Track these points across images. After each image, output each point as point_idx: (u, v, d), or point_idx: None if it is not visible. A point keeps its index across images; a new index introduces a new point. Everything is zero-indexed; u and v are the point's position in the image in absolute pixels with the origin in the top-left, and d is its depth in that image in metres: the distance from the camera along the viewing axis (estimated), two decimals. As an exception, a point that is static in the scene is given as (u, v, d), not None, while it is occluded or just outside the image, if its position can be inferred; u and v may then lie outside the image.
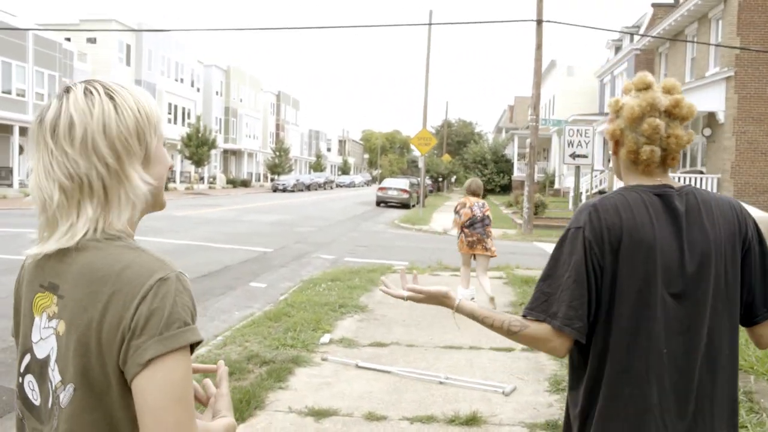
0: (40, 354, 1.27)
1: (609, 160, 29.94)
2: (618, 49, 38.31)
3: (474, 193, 8.66)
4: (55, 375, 1.24)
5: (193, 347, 1.21)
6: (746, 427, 4.16)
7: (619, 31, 29.46)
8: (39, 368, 1.27)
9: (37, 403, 1.28)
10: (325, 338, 6.46)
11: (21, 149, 34.29)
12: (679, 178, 21.68)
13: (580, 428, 1.76)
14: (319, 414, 4.49)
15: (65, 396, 1.22)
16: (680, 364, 1.70)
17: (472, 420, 4.40)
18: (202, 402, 1.45)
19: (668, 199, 1.75)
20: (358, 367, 5.60)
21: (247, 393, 4.70)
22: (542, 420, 4.46)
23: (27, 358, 1.30)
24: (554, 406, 4.76)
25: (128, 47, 44.02)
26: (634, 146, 1.79)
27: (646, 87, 1.81)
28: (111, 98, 1.26)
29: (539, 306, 1.75)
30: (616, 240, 1.69)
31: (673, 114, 1.78)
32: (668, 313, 1.69)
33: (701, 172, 22.29)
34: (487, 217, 8.37)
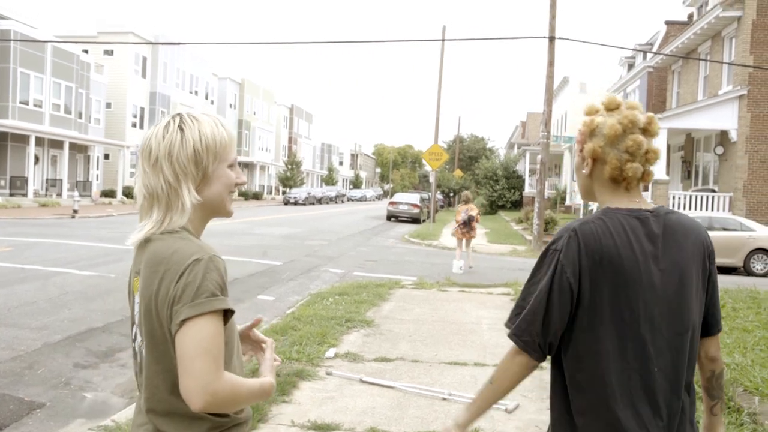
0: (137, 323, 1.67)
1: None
2: (631, 66, 38.30)
3: (465, 202, 14.82)
4: (138, 336, 1.65)
5: (227, 316, 1.57)
6: (749, 449, 4.14)
7: (632, 49, 29.45)
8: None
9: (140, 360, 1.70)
10: (331, 352, 6.48)
11: (36, 159, 34.67)
12: (691, 197, 21.58)
13: None
14: (321, 428, 4.51)
15: (144, 351, 1.62)
16: (672, 381, 1.75)
17: (474, 437, 4.40)
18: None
19: (646, 222, 1.79)
20: (362, 381, 5.62)
21: (251, 406, 4.72)
22: (544, 438, 4.45)
23: (135, 327, 1.70)
24: (557, 425, 4.75)
25: (144, 59, 44.52)
26: (618, 163, 1.81)
27: (617, 106, 1.87)
28: (181, 130, 1.65)
29: (512, 318, 1.84)
30: (595, 265, 1.72)
31: (648, 131, 1.84)
32: (656, 333, 1.74)
33: (713, 191, 22.18)
34: (471, 217, 14.36)
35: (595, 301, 1.73)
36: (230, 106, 58.42)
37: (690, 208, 21.01)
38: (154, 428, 1.63)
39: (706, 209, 20.99)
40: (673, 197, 21.38)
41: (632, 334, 1.72)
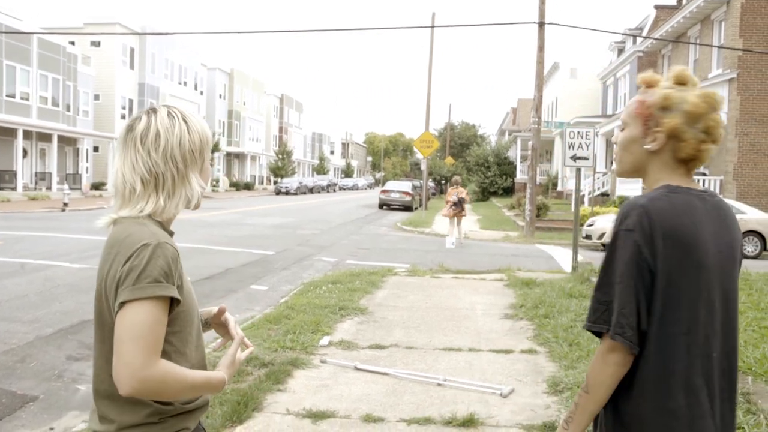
0: None
1: (612, 162, 29.89)
2: (621, 51, 38.27)
3: (456, 185, 17.74)
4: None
5: (173, 305, 1.57)
6: (743, 428, 4.16)
7: (622, 33, 29.46)
8: None
9: None
10: (325, 340, 6.47)
11: (25, 152, 34.40)
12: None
13: None
14: (316, 416, 4.50)
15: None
16: (725, 366, 1.71)
17: (469, 422, 4.40)
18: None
19: (705, 202, 1.73)
20: (356, 369, 5.61)
21: (245, 395, 4.71)
22: (539, 422, 4.46)
23: None
24: (552, 408, 4.76)
25: (132, 50, 44.15)
26: (695, 143, 1.71)
27: (687, 82, 1.75)
28: (185, 122, 1.70)
29: (600, 317, 1.68)
30: (667, 244, 1.63)
31: (718, 111, 1.76)
32: (714, 316, 1.69)
33: (704, 174, 22.26)
34: (462, 199, 17.16)
35: (665, 282, 1.64)
36: (220, 96, 58.09)
37: (681, 192, 21.04)
38: (97, 410, 1.66)
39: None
40: (664, 181, 21.41)
41: (695, 318, 1.65)
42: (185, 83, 51.17)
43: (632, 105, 1.80)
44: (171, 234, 1.72)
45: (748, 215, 16.92)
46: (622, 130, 1.83)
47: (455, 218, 17.16)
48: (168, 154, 1.65)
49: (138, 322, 1.49)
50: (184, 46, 50.08)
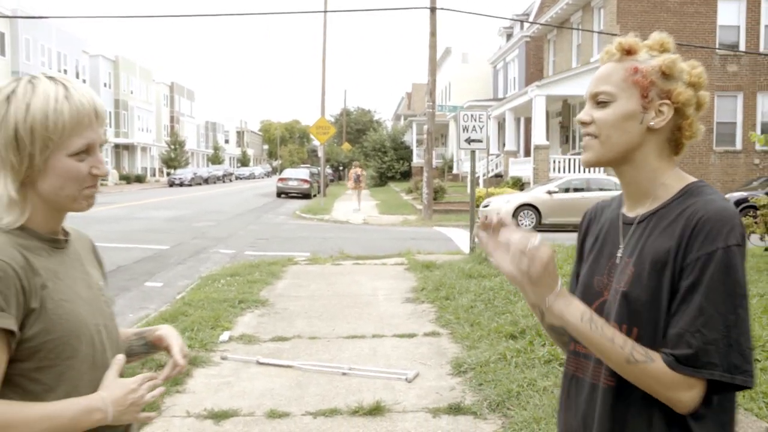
0: None
1: (504, 144, 30.81)
2: (510, 36, 39.45)
3: (356, 167, 26.48)
4: None
5: (10, 338, 1.23)
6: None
7: (510, 19, 30.31)
8: None
9: None
10: (225, 336, 6.26)
11: None
12: (570, 160, 22.59)
13: None
14: (218, 416, 4.34)
15: None
16: None
17: (376, 409, 4.37)
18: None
19: None
20: (259, 363, 5.46)
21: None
22: (445, 404, 4.50)
23: None
24: (456, 389, 4.81)
25: (2, 36, 41.12)
26: (693, 123, 1.40)
27: (670, 50, 1.42)
28: (8, 102, 1.29)
29: (725, 360, 1.24)
30: None
31: None
32: None
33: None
34: (358, 175, 25.69)
35: None
36: (105, 85, 55.28)
37: (569, 171, 22.02)
38: None
39: (584, 171, 22.10)
40: (554, 161, 22.32)
41: None
42: (65, 71, 48.23)
43: (620, 72, 1.40)
44: (56, 242, 1.39)
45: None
46: (599, 104, 1.43)
47: (357, 191, 24.56)
48: None
49: None
50: (62, 32, 47.21)
